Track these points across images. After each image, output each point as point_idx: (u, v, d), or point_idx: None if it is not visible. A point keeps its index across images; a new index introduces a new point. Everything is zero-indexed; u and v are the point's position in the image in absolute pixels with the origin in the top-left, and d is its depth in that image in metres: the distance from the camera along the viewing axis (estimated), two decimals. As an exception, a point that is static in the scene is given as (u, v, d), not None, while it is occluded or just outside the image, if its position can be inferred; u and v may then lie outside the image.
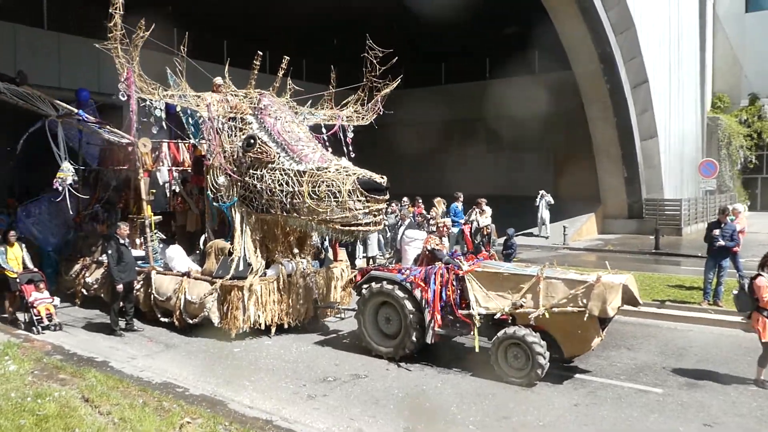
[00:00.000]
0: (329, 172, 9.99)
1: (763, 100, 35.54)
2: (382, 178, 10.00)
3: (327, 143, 12.65)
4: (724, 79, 35.93)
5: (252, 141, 10.71)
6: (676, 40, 28.60)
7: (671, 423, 7.29)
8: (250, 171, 10.73)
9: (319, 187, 9.87)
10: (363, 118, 13.40)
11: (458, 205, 17.52)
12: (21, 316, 11.52)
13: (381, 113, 13.43)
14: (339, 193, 9.72)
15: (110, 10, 10.27)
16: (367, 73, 12.59)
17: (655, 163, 26.22)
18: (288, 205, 10.27)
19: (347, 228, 9.93)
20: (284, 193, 10.26)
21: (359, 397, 8.08)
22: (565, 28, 23.48)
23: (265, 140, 10.69)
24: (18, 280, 11.32)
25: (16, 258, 11.64)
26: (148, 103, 11.04)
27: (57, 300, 11.77)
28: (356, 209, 9.72)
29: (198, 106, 11.29)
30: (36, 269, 11.89)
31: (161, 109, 11.11)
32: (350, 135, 13.09)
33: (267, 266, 11.06)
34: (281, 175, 10.34)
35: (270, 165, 10.51)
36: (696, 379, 8.77)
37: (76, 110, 11.74)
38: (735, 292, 9.03)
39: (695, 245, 16.93)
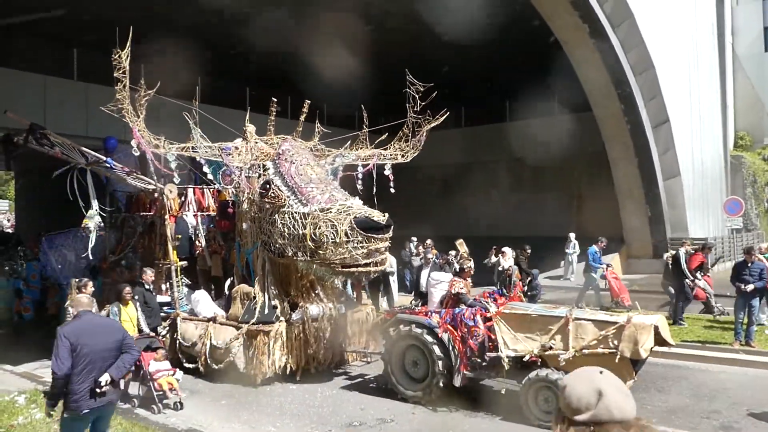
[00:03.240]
0: (330, 212, 9.96)
1: (786, 139, 35.28)
2: (384, 215, 9.91)
3: (359, 181, 12.73)
4: (745, 118, 35.72)
5: (267, 186, 10.79)
6: (696, 79, 28.59)
7: (709, 468, 7.11)
8: (267, 216, 10.81)
9: (318, 228, 9.85)
10: (404, 155, 13.28)
11: (596, 249, 16.78)
12: (134, 389, 9.49)
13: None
14: (336, 234, 9.68)
15: (115, 74, 10.21)
16: (411, 108, 12.33)
17: (679, 202, 25.94)
18: (296, 248, 10.28)
19: (346, 270, 9.87)
20: (291, 237, 10.28)
21: (387, 443, 7.97)
22: (584, 69, 23.57)
23: (278, 184, 10.75)
24: None
25: (131, 319, 9.98)
26: (164, 156, 11.21)
27: (180, 373, 9.99)
28: (353, 249, 9.67)
29: (215, 155, 11.40)
30: (153, 333, 10.44)
31: (174, 160, 11.22)
32: (388, 172, 12.96)
33: (292, 310, 11.04)
34: (290, 218, 10.36)
35: (282, 209, 10.54)
36: (731, 422, 8.55)
37: (104, 158, 11.87)
38: None
39: (723, 284, 16.58)
